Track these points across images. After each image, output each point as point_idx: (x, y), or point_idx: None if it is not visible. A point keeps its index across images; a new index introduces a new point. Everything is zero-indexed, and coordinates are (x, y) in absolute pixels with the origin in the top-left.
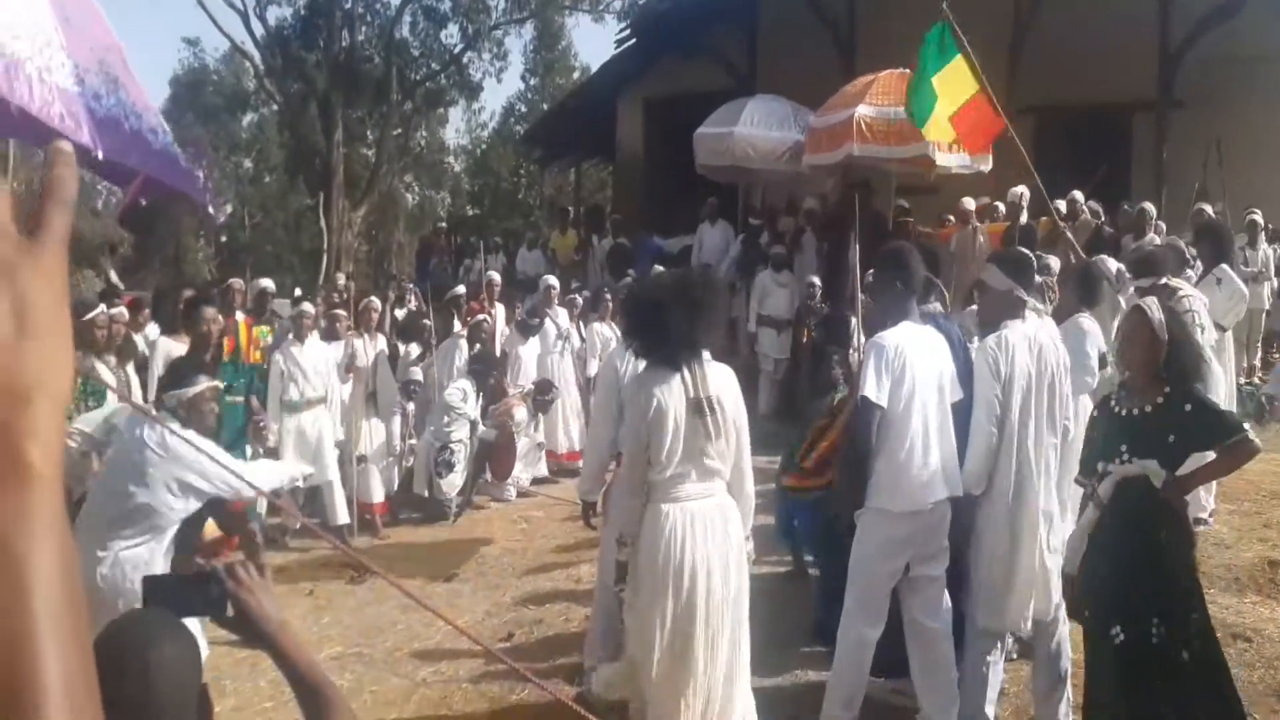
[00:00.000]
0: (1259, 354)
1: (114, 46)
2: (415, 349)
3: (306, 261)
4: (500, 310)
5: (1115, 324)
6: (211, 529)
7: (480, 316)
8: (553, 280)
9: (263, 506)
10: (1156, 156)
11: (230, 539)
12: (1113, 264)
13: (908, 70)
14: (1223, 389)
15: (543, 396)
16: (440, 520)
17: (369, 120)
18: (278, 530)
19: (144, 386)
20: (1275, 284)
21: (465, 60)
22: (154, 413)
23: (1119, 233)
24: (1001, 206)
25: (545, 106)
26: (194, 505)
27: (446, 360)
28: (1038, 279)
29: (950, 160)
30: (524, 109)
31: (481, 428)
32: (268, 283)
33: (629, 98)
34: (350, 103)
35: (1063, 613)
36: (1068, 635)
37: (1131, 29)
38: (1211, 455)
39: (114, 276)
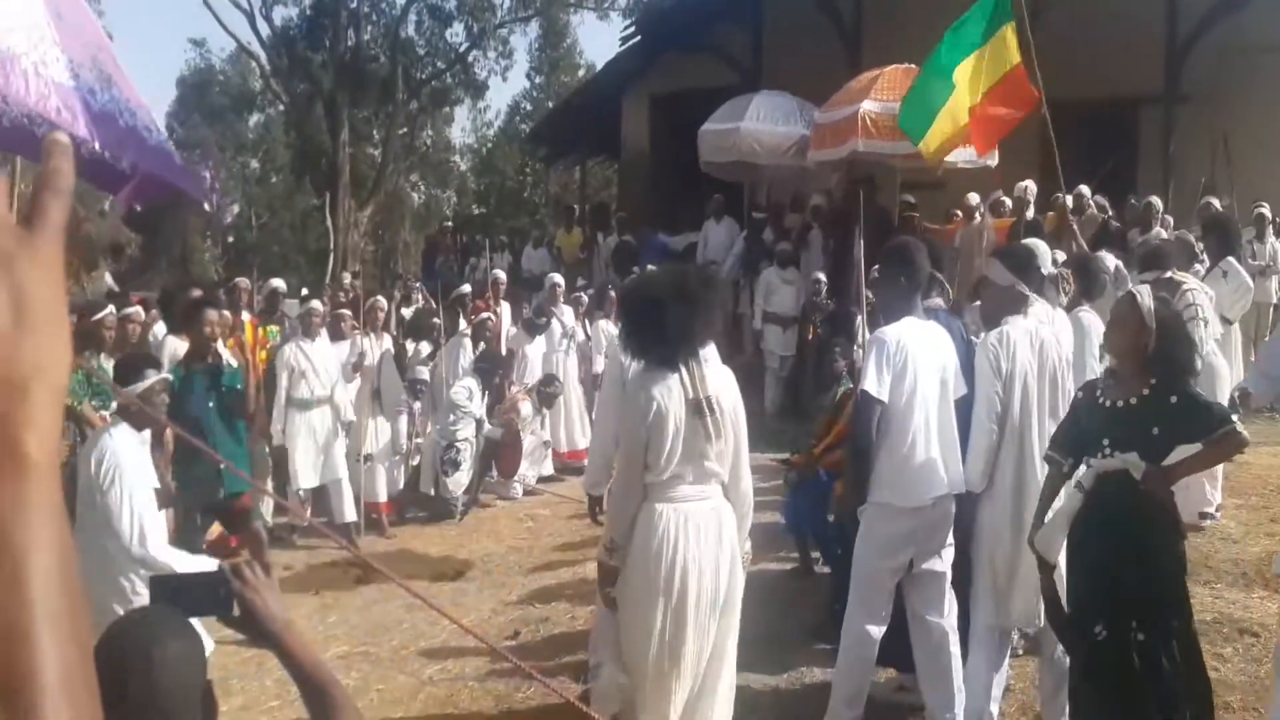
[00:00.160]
0: None
1: (105, 45)
2: (425, 347)
3: (313, 261)
4: (506, 308)
5: None
6: (215, 529)
7: (485, 315)
8: (558, 278)
9: (269, 506)
10: (1163, 150)
11: (234, 539)
12: (1111, 261)
13: (913, 66)
14: (1228, 383)
15: (546, 389)
16: (446, 519)
17: (375, 120)
18: (285, 530)
19: None
20: None
21: (470, 59)
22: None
23: (1125, 227)
24: (1008, 201)
25: (550, 105)
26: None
27: (452, 359)
28: (1052, 271)
29: (956, 155)
30: (529, 107)
31: (487, 426)
32: (279, 283)
33: (634, 95)
34: (356, 102)
35: None
36: None
37: (1138, 23)
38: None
39: (110, 280)
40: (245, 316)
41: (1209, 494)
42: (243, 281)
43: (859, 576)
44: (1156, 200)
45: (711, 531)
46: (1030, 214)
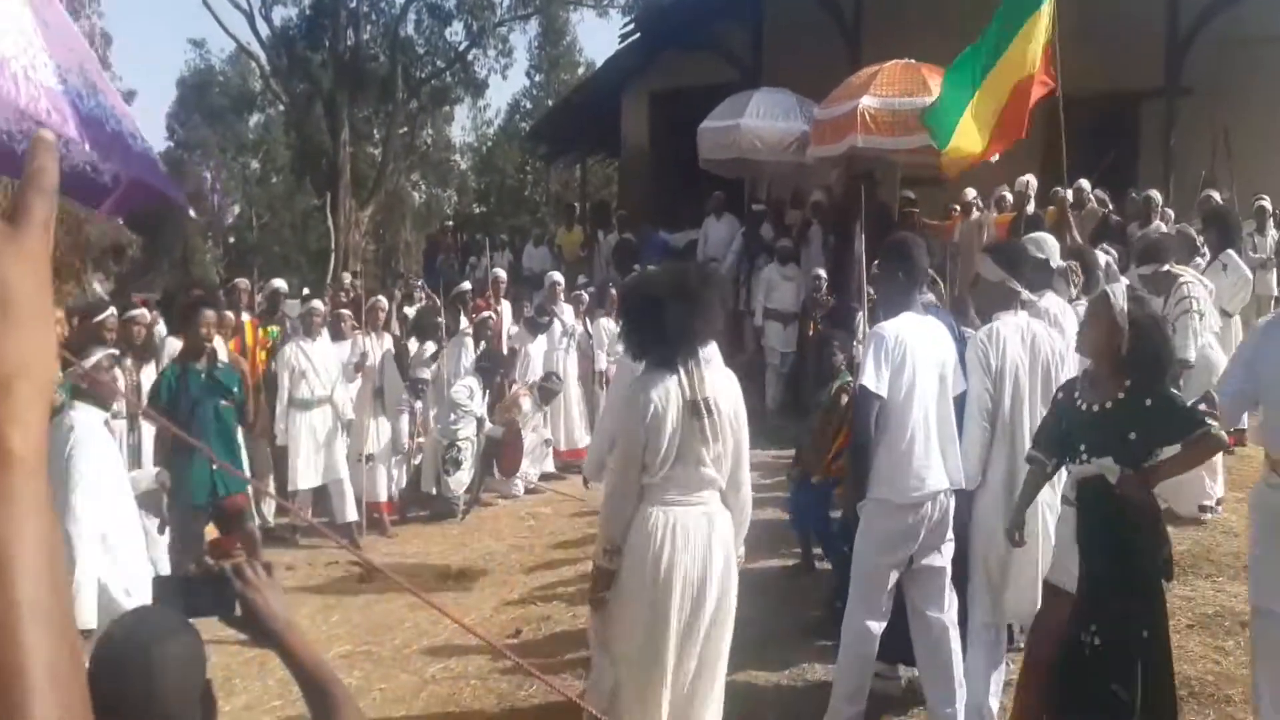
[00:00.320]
0: None
1: (90, 56)
2: (430, 347)
3: (314, 261)
4: (506, 307)
5: None
6: (211, 531)
7: (485, 314)
8: (557, 276)
9: (271, 507)
10: (1164, 144)
11: (230, 540)
12: (1103, 257)
13: (913, 61)
14: None
15: (546, 385)
16: (448, 518)
17: (375, 119)
18: (287, 530)
19: None
20: None
21: (470, 57)
22: (154, 413)
23: (1126, 221)
24: (1009, 196)
25: (550, 103)
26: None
27: (454, 358)
28: (1061, 264)
29: None
30: (529, 105)
31: (489, 425)
32: (279, 283)
33: (634, 92)
34: (356, 102)
35: None
36: None
37: (1138, 16)
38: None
39: (99, 288)
40: (245, 317)
41: (1208, 487)
42: (242, 282)
43: (859, 573)
44: (1156, 194)
45: (701, 538)
46: (1031, 209)
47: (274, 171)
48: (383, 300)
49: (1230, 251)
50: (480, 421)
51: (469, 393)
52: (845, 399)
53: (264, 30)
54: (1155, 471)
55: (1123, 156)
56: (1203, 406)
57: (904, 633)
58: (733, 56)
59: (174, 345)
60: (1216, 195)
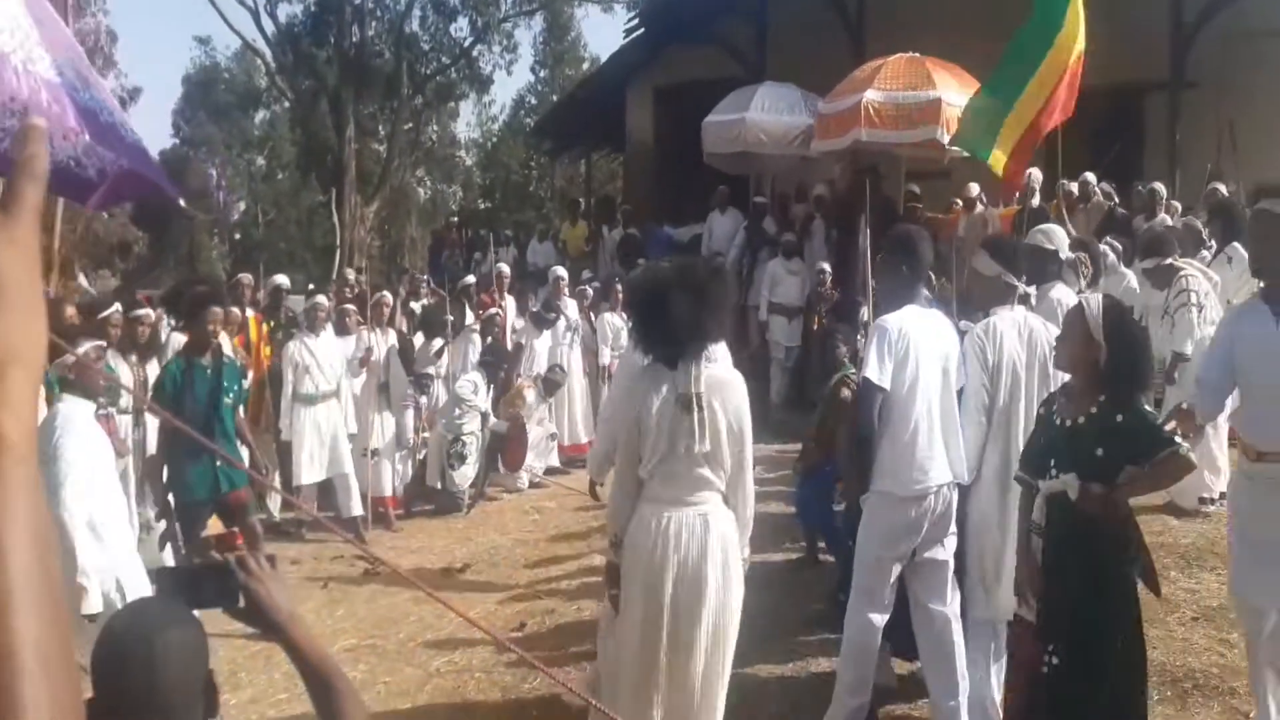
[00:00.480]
0: None
1: (80, 54)
2: (437, 343)
3: (320, 257)
4: (511, 302)
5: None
6: (215, 524)
7: (493, 310)
8: (561, 271)
9: (277, 501)
10: (1169, 137)
11: (234, 533)
12: (1109, 250)
13: (917, 55)
14: None
15: (550, 377)
16: (453, 512)
17: (380, 115)
18: (292, 524)
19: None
20: None
21: (475, 53)
22: (157, 409)
23: (1131, 214)
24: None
25: (555, 98)
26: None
27: (461, 353)
28: (1070, 255)
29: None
30: (534, 101)
31: (493, 420)
32: (282, 279)
33: (638, 87)
34: (361, 98)
35: None
36: None
37: (1143, 9)
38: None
39: (85, 283)
40: (249, 313)
41: (1209, 480)
42: (246, 278)
43: (861, 565)
44: (1161, 187)
45: (696, 539)
46: (1036, 202)
47: (279, 168)
48: (387, 296)
49: (1236, 244)
50: (485, 416)
51: (473, 387)
52: (846, 392)
53: (269, 27)
54: (1120, 491)
55: (1128, 149)
56: (1183, 406)
57: (907, 625)
58: (737, 51)
59: (178, 340)
60: (1222, 188)
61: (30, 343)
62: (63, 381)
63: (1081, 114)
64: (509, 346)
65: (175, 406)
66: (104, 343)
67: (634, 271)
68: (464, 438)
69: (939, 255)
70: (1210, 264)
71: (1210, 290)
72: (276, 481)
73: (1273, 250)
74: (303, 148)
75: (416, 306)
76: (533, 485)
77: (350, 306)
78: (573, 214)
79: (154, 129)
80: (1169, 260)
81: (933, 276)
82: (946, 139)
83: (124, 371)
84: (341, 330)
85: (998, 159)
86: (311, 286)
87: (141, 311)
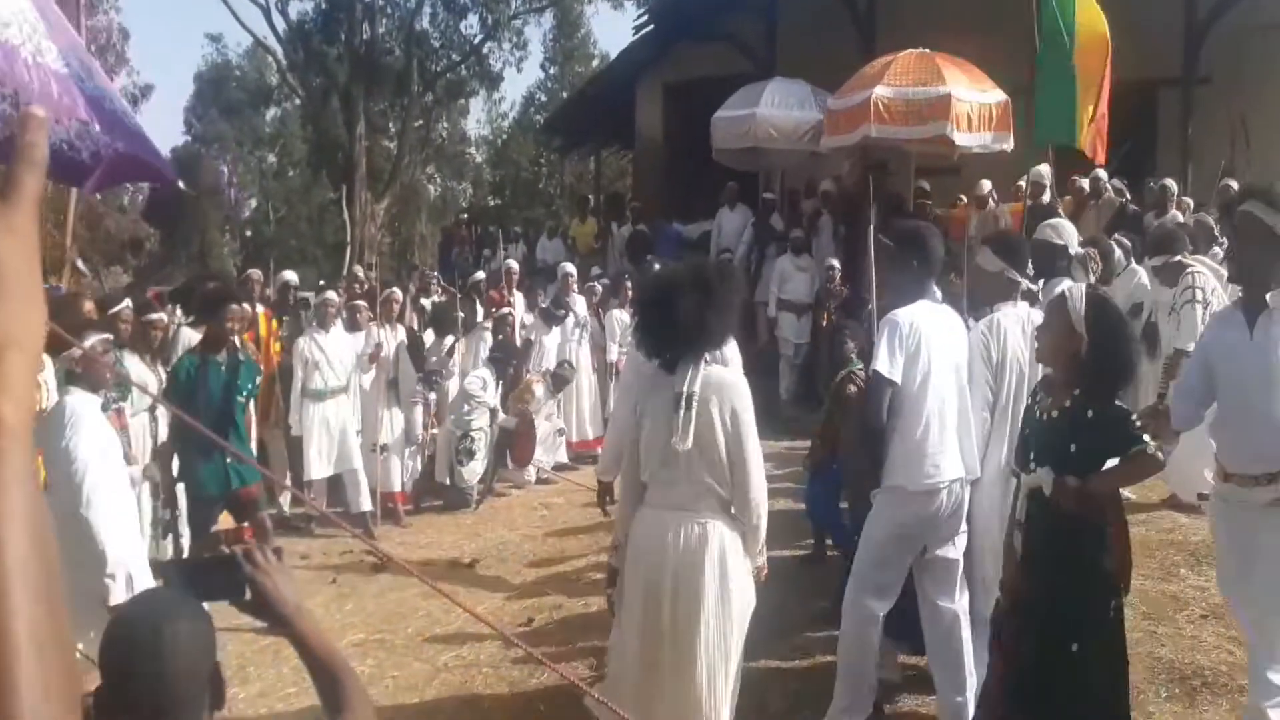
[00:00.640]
0: None
1: (80, 44)
2: (449, 340)
3: (330, 254)
4: (519, 298)
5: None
6: (226, 519)
7: (505, 310)
8: (570, 267)
9: (286, 496)
10: (1182, 133)
11: (244, 528)
12: (1118, 247)
13: (927, 51)
14: None
15: (559, 372)
16: (462, 508)
17: (390, 113)
18: (302, 519)
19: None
20: None
21: (485, 50)
22: (169, 404)
23: (1143, 210)
24: (1023, 184)
25: (565, 95)
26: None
27: (473, 350)
28: (1079, 250)
29: (970, 140)
30: (544, 98)
31: (502, 416)
32: (291, 275)
33: (648, 84)
34: (371, 95)
35: None
36: None
37: (1156, 4)
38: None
39: (81, 265)
40: (259, 309)
41: (1209, 476)
42: (255, 273)
43: (866, 559)
44: (1172, 183)
45: (692, 548)
46: (1046, 198)
47: (290, 165)
48: (397, 292)
49: None
50: (494, 412)
51: (482, 384)
52: (851, 388)
53: (280, 25)
54: (1092, 485)
55: (1140, 145)
56: (1160, 406)
57: (914, 620)
58: (746, 48)
59: (188, 335)
60: (1234, 184)
61: (28, 329)
62: (69, 375)
63: None
64: (518, 343)
65: (188, 402)
66: (111, 335)
67: (643, 275)
68: (473, 434)
69: (949, 252)
70: (1222, 261)
71: (1218, 287)
72: (286, 477)
73: (1253, 255)
74: (313, 145)
75: (427, 303)
76: (541, 481)
77: (360, 303)
78: (582, 211)
79: (166, 126)
80: (1178, 257)
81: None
82: (956, 135)
83: (137, 368)
84: (352, 326)
85: (1083, 140)
86: (322, 283)
87: (155, 316)
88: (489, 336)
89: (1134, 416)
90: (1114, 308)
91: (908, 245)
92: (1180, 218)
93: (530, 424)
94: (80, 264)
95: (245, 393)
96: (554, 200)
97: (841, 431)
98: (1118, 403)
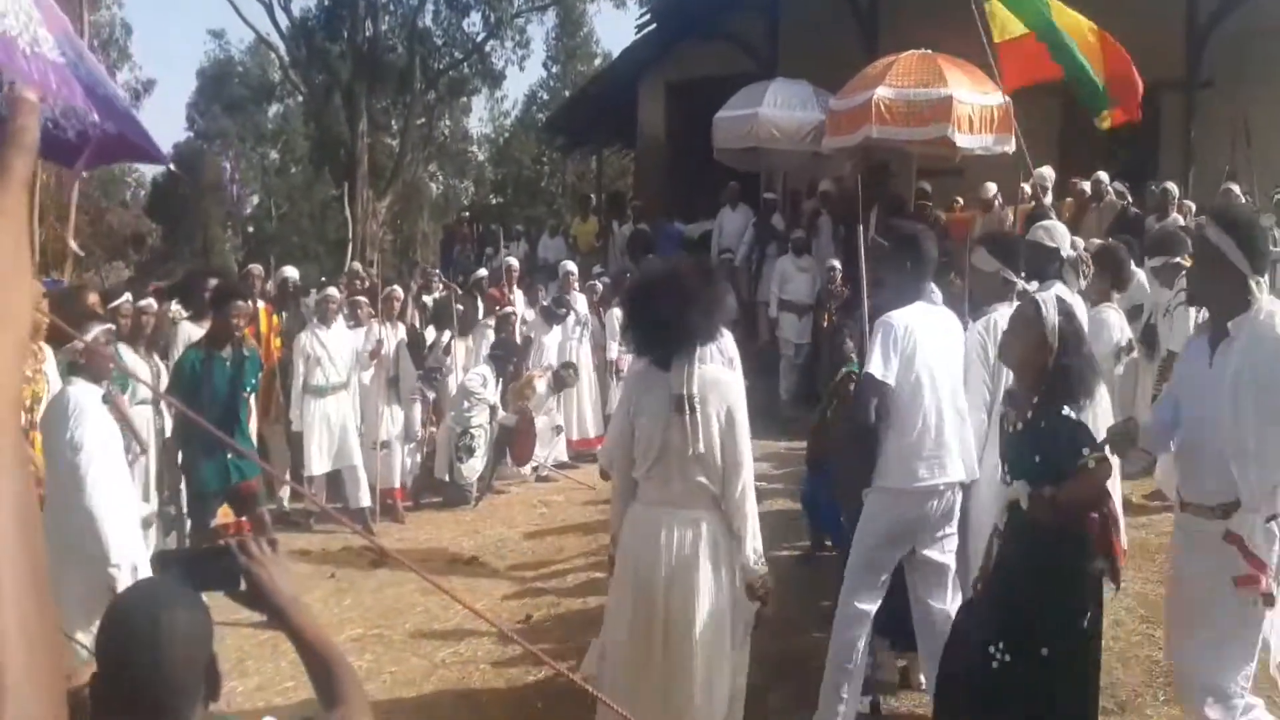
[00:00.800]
0: None
1: (69, 26)
2: (446, 335)
3: (332, 251)
4: (520, 296)
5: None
6: (225, 512)
7: (508, 309)
8: (571, 266)
9: (286, 491)
10: (1184, 136)
11: (242, 521)
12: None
13: (929, 52)
14: None
15: (562, 373)
16: (461, 505)
17: (393, 110)
18: (301, 514)
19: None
20: None
21: (488, 49)
22: (173, 400)
23: (1145, 213)
24: (1027, 188)
25: (567, 94)
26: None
27: (477, 348)
28: (1071, 254)
29: (971, 142)
30: (546, 97)
31: (501, 413)
32: (291, 271)
33: (650, 83)
34: (374, 93)
35: None
36: None
37: (1158, 7)
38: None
39: (74, 245)
40: (260, 304)
41: None
42: (256, 268)
43: (855, 559)
44: (1173, 186)
45: (687, 546)
46: (1049, 200)
47: (292, 162)
48: (398, 290)
49: None
50: (493, 409)
51: (482, 380)
52: (852, 387)
53: (283, 21)
54: (1058, 497)
55: (1142, 148)
56: (1129, 421)
57: (906, 620)
58: (749, 47)
59: (189, 329)
60: (1236, 188)
61: (15, 310)
62: (72, 365)
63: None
64: (517, 340)
65: (192, 397)
66: (113, 326)
67: (630, 274)
68: (472, 430)
69: (951, 253)
70: None
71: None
72: (286, 472)
73: (1204, 279)
74: (316, 142)
75: (429, 300)
76: (540, 479)
77: (362, 299)
78: (584, 209)
79: (168, 122)
80: (1177, 258)
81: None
82: (957, 136)
83: (134, 361)
84: (353, 322)
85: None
86: (324, 279)
87: (143, 302)
88: (491, 334)
89: (1081, 426)
90: (1078, 320)
91: (903, 246)
92: (1182, 221)
93: (530, 421)
94: (74, 245)
95: (248, 388)
96: (555, 199)
97: (832, 431)
98: (1065, 412)
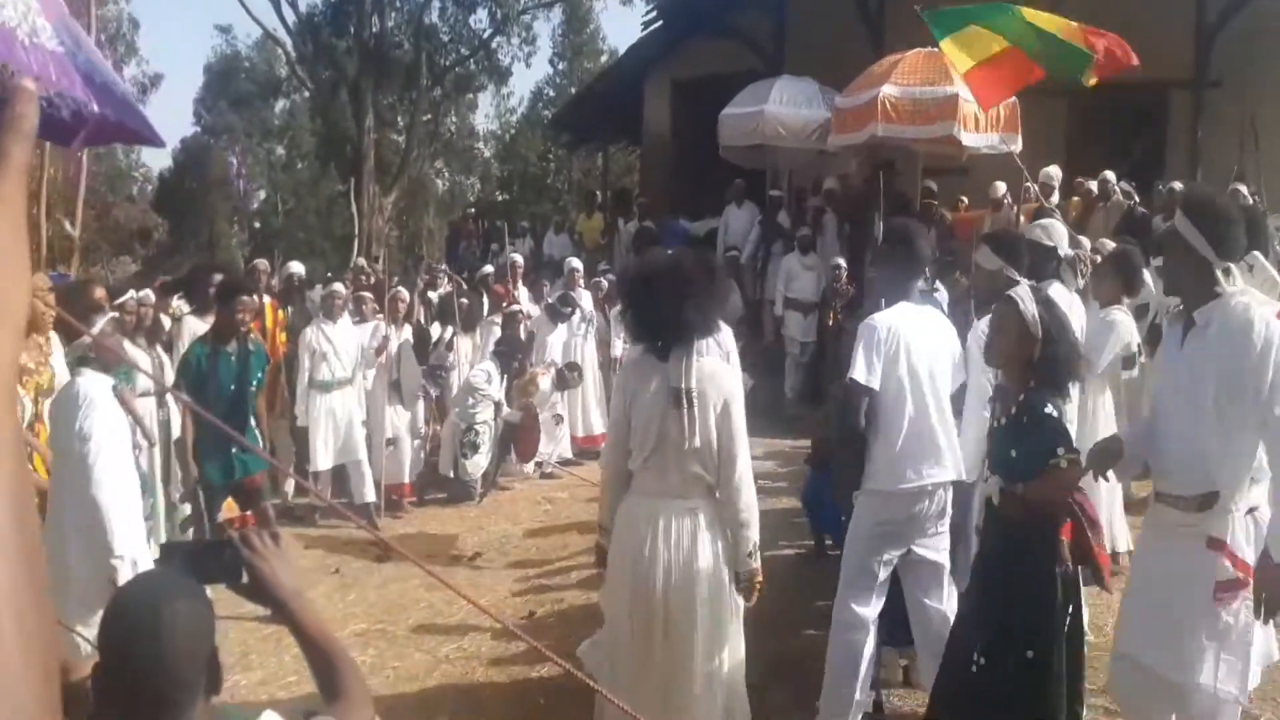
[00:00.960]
0: None
1: (64, 9)
2: (449, 331)
3: (338, 246)
4: (524, 292)
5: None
6: (230, 506)
7: (515, 308)
8: (576, 263)
9: (290, 485)
10: (1191, 135)
11: (247, 515)
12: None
13: (935, 50)
14: None
15: (567, 373)
16: (465, 501)
17: (399, 106)
18: (306, 509)
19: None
20: None
21: (494, 45)
22: (180, 395)
23: (1153, 213)
24: (1034, 188)
25: (573, 91)
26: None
27: (484, 344)
28: (1070, 253)
29: (978, 141)
30: (552, 93)
31: (506, 410)
32: (297, 267)
33: (656, 80)
34: (380, 89)
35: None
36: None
37: (1167, 6)
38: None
39: (68, 227)
40: (265, 299)
41: None
42: (261, 263)
43: (848, 562)
44: (1180, 186)
45: (685, 536)
46: (1056, 200)
47: (299, 157)
48: (403, 291)
49: (1257, 253)
50: (498, 406)
51: (487, 377)
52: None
53: (290, 17)
54: (1026, 494)
55: (1151, 148)
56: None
57: (903, 618)
58: (755, 45)
59: (193, 324)
60: (1244, 189)
61: (13, 299)
62: (81, 358)
63: (1103, 112)
64: (522, 337)
65: (197, 391)
66: (118, 315)
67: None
68: (477, 427)
69: (956, 252)
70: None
71: (1255, 290)
72: (290, 467)
73: (1172, 269)
74: (322, 137)
75: (434, 296)
76: (545, 476)
77: (367, 294)
78: (589, 206)
79: (175, 117)
80: None
81: (926, 271)
82: (964, 135)
83: (135, 354)
84: (359, 318)
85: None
86: (329, 275)
87: (141, 294)
88: (498, 330)
89: (1060, 425)
90: (1058, 308)
91: (893, 245)
92: None
93: (534, 418)
94: (68, 226)
95: (254, 382)
96: (561, 195)
97: (827, 432)
98: (1048, 410)
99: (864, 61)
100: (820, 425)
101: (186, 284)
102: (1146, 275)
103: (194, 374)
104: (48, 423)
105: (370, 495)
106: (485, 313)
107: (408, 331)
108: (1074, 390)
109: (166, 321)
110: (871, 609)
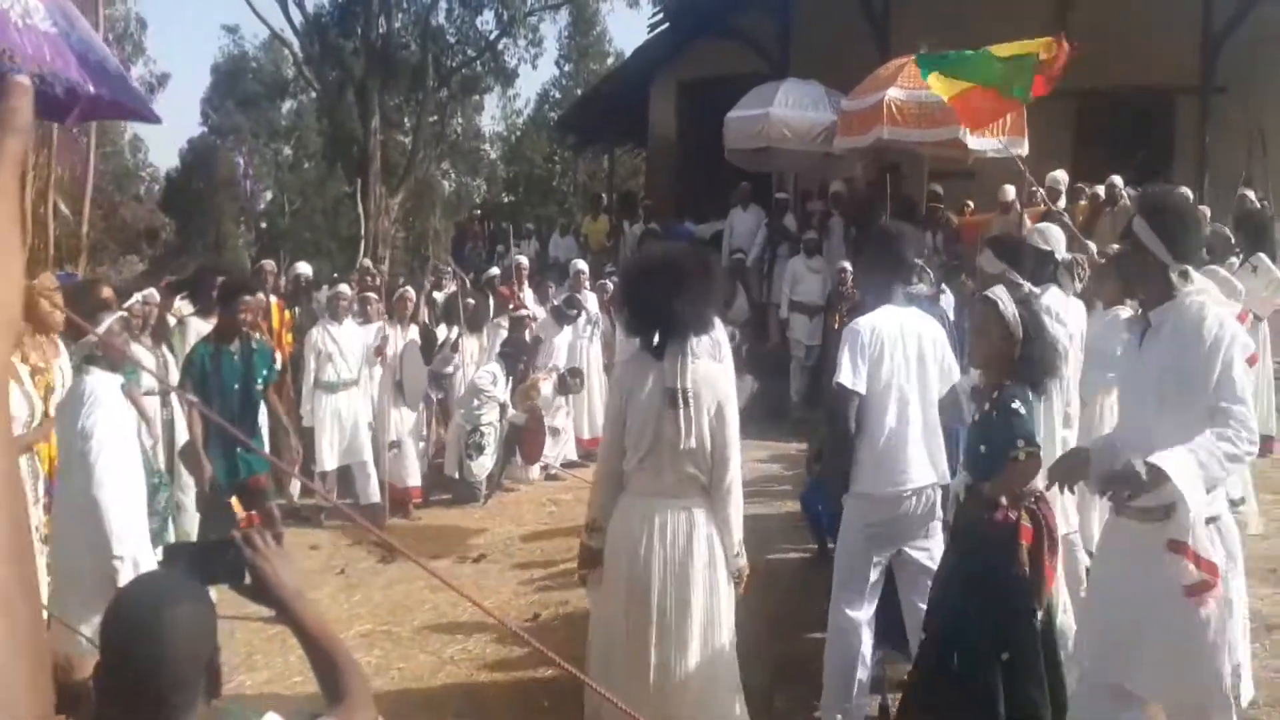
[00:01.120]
0: None
1: None
2: (454, 331)
3: (344, 247)
4: (529, 294)
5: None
6: (235, 506)
7: (522, 311)
8: (582, 265)
9: (296, 485)
10: (1199, 141)
11: (252, 515)
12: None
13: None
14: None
15: (570, 378)
16: (470, 502)
17: (406, 107)
18: (312, 510)
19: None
20: None
21: (500, 47)
22: (186, 395)
23: None
24: (1041, 191)
25: (579, 93)
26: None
27: (489, 346)
28: (1067, 256)
29: (984, 144)
30: (558, 95)
31: (511, 411)
32: (304, 267)
33: (662, 82)
34: (387, 90)
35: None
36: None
37: (1174, 11)
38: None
39: (64, 209)
40: (272, 299)
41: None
42: (268, 264)
43: (840, 565)
44: (1188, 192)
45: (680, 536)
46: (1062, 204)
47: (306, 158)
48: (410, 291)
49: (1262, 255)
50: (503, 408)
51: (492, 378)
52: None
53: (297, 17)
54: (991, 490)
55: (1157, 154)
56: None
57: (898, 619)
58: (761, 47)
59: (198, 325)
60: (1251, 195)
61: (6, 290)
62: (89, 356)
63: (1110, 118)
64: (527, 339)
65: (201, 391)
66: (124, 314)
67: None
68: (482, 428)
69: (962, 255)
70: (1235, 273)
71: (1214, 289)
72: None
73: (1129, 268)
74: (329, 138)
75: (440, 296)
76: (549, 478)
77: (372, 295)
78: (595, 208)
79: (182, 116)
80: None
81: (929, 272)
82: (969, 139)
83: (139, 352)
84: (364, 319)
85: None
86: (336, 275)
87: (146, 292)
88: (505, 333)
89: (1022, 419)
90: (1039, 309)
91: (876, 248)
92: None
93: (540, 420)
94: (60, 205)
95: (262, 378)
96: (567, 198)
97: (818, 436)
98: (1015, 405)
99: (869, 64)
100: (815, 429)
101: (192, 284)
102: None
103: (197, 374)
104: (55, 420)
105: (375, 496)
106: (491, 314)
107: (414, 332)
108: (1074, 393)
109: (171, 320)
110: (864, 611)
